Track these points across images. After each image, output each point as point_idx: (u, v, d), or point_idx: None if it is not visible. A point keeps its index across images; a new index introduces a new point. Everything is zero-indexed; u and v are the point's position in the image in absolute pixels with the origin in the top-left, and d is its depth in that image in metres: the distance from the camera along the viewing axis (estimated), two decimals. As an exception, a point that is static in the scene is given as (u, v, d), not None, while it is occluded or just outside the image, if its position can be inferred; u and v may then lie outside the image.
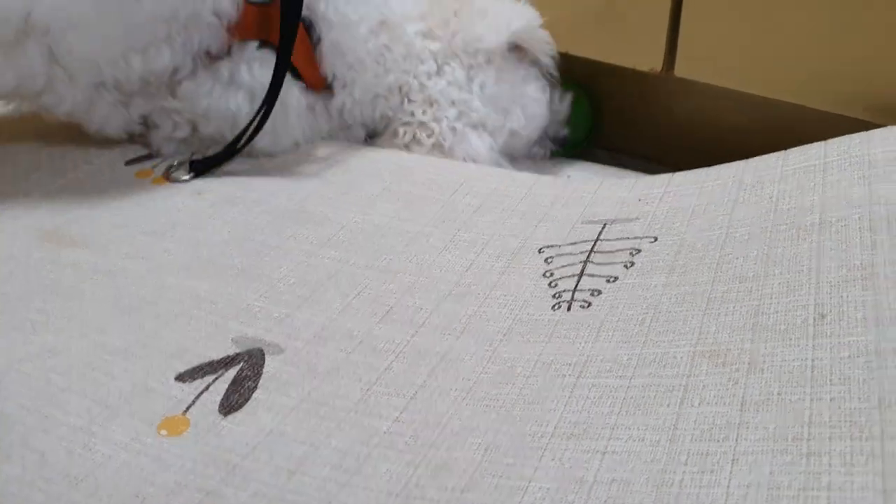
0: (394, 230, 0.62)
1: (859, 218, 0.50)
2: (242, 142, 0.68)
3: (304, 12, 0.67)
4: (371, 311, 0.52)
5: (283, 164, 0.72)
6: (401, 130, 0.76)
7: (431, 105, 0.75)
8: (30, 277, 0.56)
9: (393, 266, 0.57)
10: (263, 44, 0.68)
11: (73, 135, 0.74)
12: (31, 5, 0.59)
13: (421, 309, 0.52)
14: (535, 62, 0.79)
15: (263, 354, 0.49)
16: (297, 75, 0.70)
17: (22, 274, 0.56)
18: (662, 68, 0.73)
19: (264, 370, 0.48)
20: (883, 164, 0.54)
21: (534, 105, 0.78)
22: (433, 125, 0.75)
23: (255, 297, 0.54)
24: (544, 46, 0.77)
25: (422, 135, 0.75)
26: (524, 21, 0.74)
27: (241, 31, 0.67)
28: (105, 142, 0.74)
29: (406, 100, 0.76)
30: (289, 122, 0.70)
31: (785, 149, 0.72)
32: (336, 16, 0.70)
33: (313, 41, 0.70)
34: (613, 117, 0.87)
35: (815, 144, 0.59)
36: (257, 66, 0.67)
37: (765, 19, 0.67)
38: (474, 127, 0.75)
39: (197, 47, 0.66)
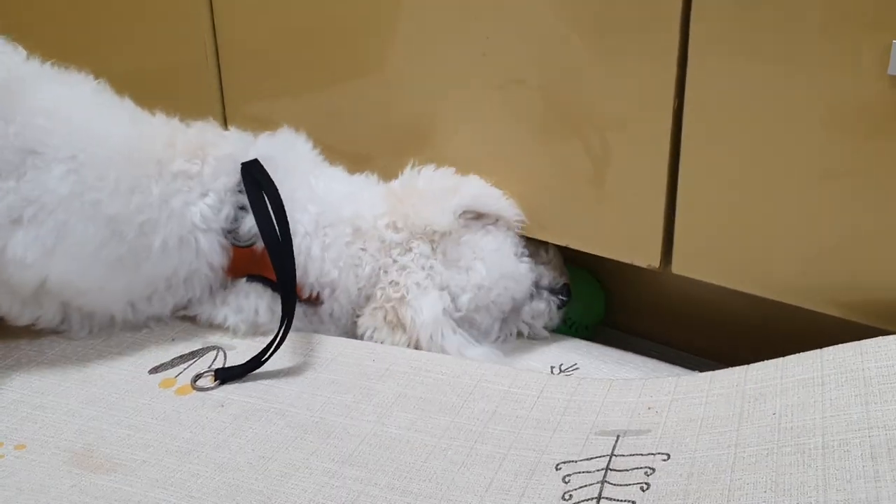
0: (412, 444, 0.64)
1: (860, 443, 0.52)
2: (265, 357, 0.73)
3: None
4: (397, 544, 0.54)
5: (301, 367, 0.75)
6: (378, 293, 0.81)
7: (405, 269, 0.80)
8: (63, 514, 0.57)
9: (413, 487, 0.59)
10: (252, 276, 0.80)
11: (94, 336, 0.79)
12: (44, 276, 0.70)
13: (445, 541, 0.54)
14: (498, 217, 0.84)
15: None
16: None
17: (55, 510, 0.58)
18: (660, 265, 0.77)
19: None
20: (877, 382, 0.57)
21: (494, 255, 0.82)
22: (402, 280, 0.80)
23: (283, 528, 0.56)
24: (498, 204, 0.82)
25: (390, 290, 0.80)
26: (465, 198, 0.80)
27: (233, 271, 0.79)
28: (127, 346, 0.78)
29: (383, 272, 0.81)
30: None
31: (785, 334, 0.76)
32: (297, 251, 0.78)
33: None
34: (619, 300, 0.90)
35: (812, 354, 0.62)
36: (243, 293, 0.79)
37: (760, 218, 0.71)
38: (441, 288, 0.80)
39: (199, 291, 0.79)
